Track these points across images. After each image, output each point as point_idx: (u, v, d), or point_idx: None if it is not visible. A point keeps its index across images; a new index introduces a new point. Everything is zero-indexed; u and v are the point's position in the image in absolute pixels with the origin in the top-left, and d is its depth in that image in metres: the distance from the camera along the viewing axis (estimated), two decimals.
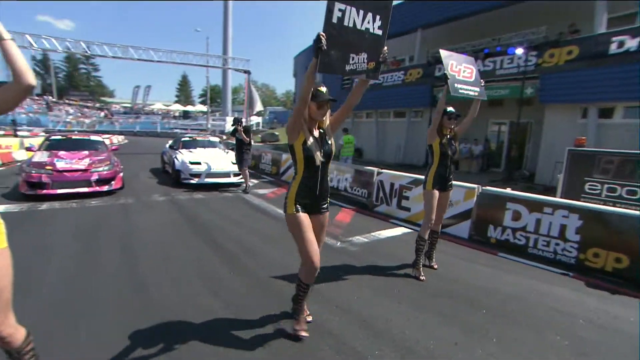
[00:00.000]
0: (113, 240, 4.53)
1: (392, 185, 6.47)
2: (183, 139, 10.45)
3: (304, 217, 2.32)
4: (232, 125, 8.49)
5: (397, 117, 16.68)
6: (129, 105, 58.41)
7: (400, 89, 15.37)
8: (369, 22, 2.13)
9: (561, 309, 3.16)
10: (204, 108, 52.05)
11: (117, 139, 26.43)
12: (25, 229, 4.89)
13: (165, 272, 3.58)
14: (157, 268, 3.69)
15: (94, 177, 7.08)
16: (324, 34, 1.94)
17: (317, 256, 2.34)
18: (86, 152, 7.74)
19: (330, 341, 2.50)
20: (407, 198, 6.15)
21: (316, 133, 2.34)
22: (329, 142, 2.36)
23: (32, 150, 8.30)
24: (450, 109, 3.62)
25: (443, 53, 3.57)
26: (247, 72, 19.95)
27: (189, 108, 59.73)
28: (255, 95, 20.59)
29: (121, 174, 7.82)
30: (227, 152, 9.82)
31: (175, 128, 43.61)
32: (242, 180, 8.65)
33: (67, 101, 53.16)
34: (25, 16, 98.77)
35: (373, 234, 5.27)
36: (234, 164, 8.71)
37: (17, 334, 1.64)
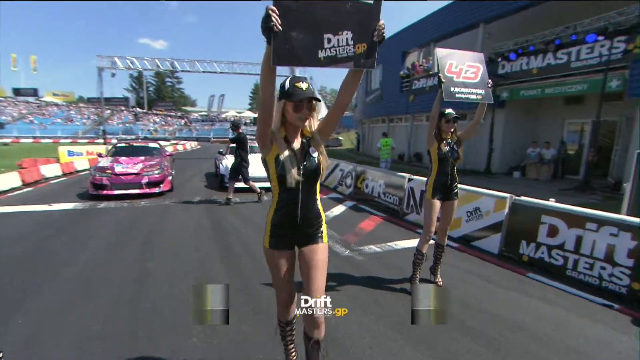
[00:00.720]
0: (139, 236, 5.12)
1: (422, 192, 6.09)
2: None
3: (278, 257, 1.86)
4: (232, 129, 7.93)
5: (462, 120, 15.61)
6: (205, 113, 64.18)
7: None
8: None
9: (588, 351, 2.65)
10: None
11: (191, 145, 29.27)
12: (81, 223, 5.86)
13: (166, 267, 4.00)
14: (162, 262, 4.12)
15: (145, 180, 7.96)
16: (274, 9, 1.38)
17: (288, 307, 2.00)
18: (142, 158, 8.72)
19: None
20: None
21: (297, 143, 1.81)
22: (314, 155, 1.80)
23: (102, 157, 9.62)
24: (448, 110, 3.33)
25: (439, 52, 3.30)
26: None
27: None
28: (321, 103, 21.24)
29: (170, 178, 8.64)
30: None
31: (247, 134, 46.75)
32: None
33: (154, 111, 60.38)
34: (129, 39, 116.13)
35: (390, 243, 5.01)
36: None
37: None
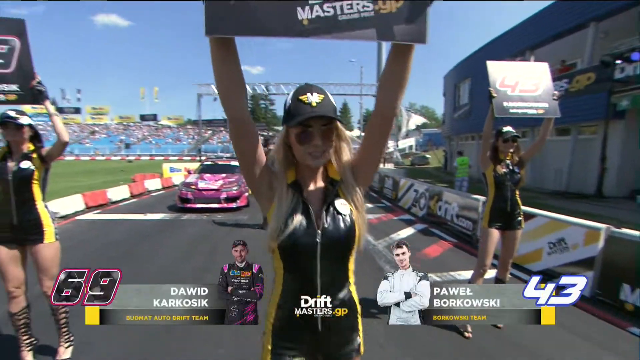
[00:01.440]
0: (208, 248, 5.61)
1: None
2: None
3: None
4: (264, 146, 8.33)
5: (559, 134, 13.70)
6: None
7: (563, 101, 12.61)
8: None
9: None
10: (361, 133, 55.90)
11: None
12: (165, 232, 6.75)
13: (200, 274, 4.35)
14: (217, 274, 4.40)
15: (223, 195, 8.74)
16: None
17: None
18: (223, 175, 9.60)
19: None
20: None
21: (312, 188, 1.15)
22: (342, 211, 1.11)
23: (191, 173, 10.88)
24: (506, 129, 2.98)
25: (490, 65, 3.00)
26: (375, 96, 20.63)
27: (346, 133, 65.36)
28: (403, 118, 21.07)
29: (246, 194, 9.32)
30: None
31: None
32: None
33: None
34: None
35: (452, 273, 4.56)
36: None
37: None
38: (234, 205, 8.88)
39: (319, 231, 1.07)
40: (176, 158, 39.57)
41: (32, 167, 2.37)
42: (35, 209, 2.40)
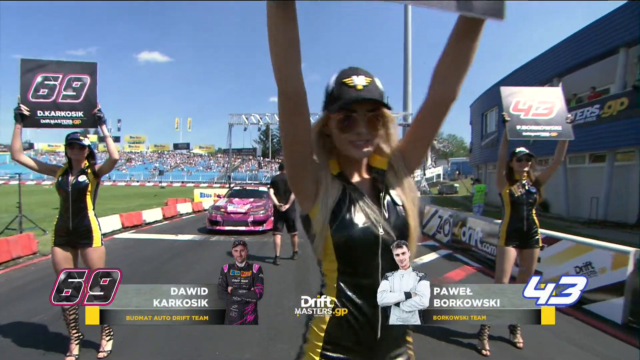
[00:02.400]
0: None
1: None
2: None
3: None
4: (280, 170, 7.33)
5: (594, 161, 13.28)
6: None
7: (593, 127, 12.34)
8: None
9: None
10: None
11: None
12: (194, 251, 7.13)
13: None
14: None
15: (250, 218, 9.09)
16: None
17: None
18: (250, 200, 10.00)
19: None
20: (538, 259, 4.99)
21: (358, 179, 1.07)
22: (398, 201, 1.03)
23: (220, 197, 11.39)
24: (519, 149, 3.12)
25: (503, 91, 3.20)
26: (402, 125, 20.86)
27: None
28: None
29: (272, 218, 9.63)
30: None
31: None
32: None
33: (276, 159, 68.04)
34: (261, 99, 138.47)
35: None
36: None
37: None
38: (260, 228, 9.19)
39: (380, 224, 0.97)
40: (206, 185, 41.02)
41: (87, 181, 2.82)
42: (87, 216, 2.82)
